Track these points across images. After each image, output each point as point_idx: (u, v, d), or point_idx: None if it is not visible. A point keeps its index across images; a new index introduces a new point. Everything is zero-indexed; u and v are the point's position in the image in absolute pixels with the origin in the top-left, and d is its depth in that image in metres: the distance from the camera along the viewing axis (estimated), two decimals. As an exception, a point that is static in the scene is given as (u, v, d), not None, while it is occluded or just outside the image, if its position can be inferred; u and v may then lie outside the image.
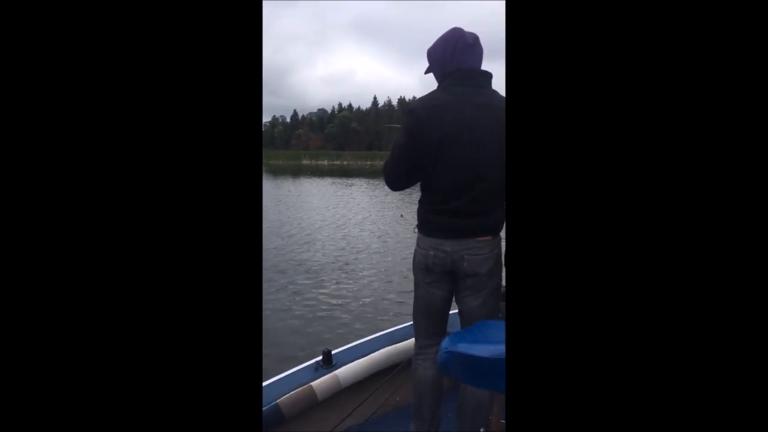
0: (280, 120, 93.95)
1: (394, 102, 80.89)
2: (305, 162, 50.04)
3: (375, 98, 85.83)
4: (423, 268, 1.12)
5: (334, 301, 3.97)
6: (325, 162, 49.46)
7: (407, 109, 1.10)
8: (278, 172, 30.58)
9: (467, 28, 1.10)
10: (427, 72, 1.15)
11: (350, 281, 4.60)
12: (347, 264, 5.28)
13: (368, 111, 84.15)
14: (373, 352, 1.50)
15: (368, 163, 42.67)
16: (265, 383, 1.33)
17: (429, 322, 1.17)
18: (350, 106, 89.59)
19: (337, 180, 21.65)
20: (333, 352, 1.46)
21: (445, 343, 0.82)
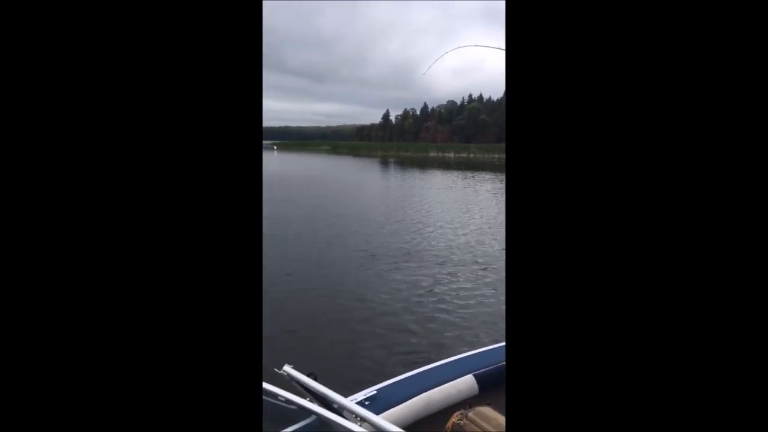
0: (410, 113, 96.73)
1: (529, 91, 75.21)
2: (432, 154, 50.77)
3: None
4: None
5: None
6: (452, 154, 49.30)
7: None
8: (406, 164, 31.91)
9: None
10: None
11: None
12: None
13: (499, 101, 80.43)
14: None
15: (495, 156, 41.04)
16: (491, 347, 1.56)
17: None
18: (480, 97, 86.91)
19: (468, 174, 21.52)
20: None
21: None
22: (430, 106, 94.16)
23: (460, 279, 4.53)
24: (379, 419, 0.80)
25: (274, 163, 29.15)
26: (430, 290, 4.14)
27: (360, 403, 1.11)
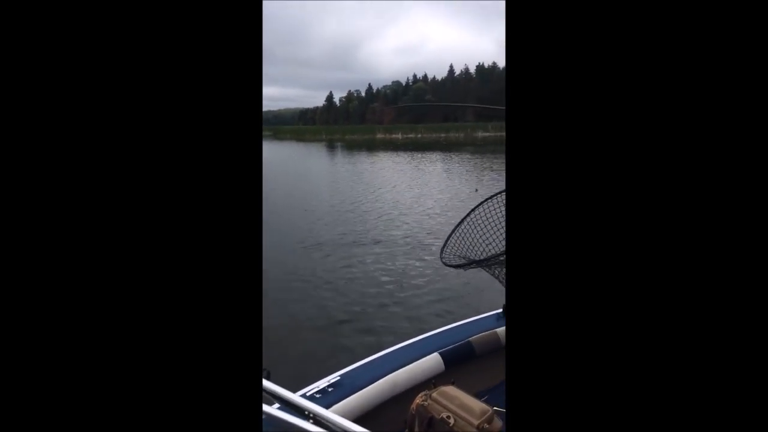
0: (355, 95, 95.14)
1: (472, 69, 77.00)
2: (379, 136, 50.48)
3: (451, 66, 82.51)
4: None
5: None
6: (399, 135, 49.33)
7: None
8: (353, 147, 31.34)
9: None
10: None
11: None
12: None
13: (444, 81, 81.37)
14: None
15: (443, 135, 41.54)
16: (457, 323, 1.59)
17: None
18: (425, 76, 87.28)
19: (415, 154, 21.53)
20: None
21: None
22: (375, 87, 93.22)
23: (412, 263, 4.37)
24: (329, 413, 0.82)
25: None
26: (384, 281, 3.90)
27: (323, 391, 1.10)
